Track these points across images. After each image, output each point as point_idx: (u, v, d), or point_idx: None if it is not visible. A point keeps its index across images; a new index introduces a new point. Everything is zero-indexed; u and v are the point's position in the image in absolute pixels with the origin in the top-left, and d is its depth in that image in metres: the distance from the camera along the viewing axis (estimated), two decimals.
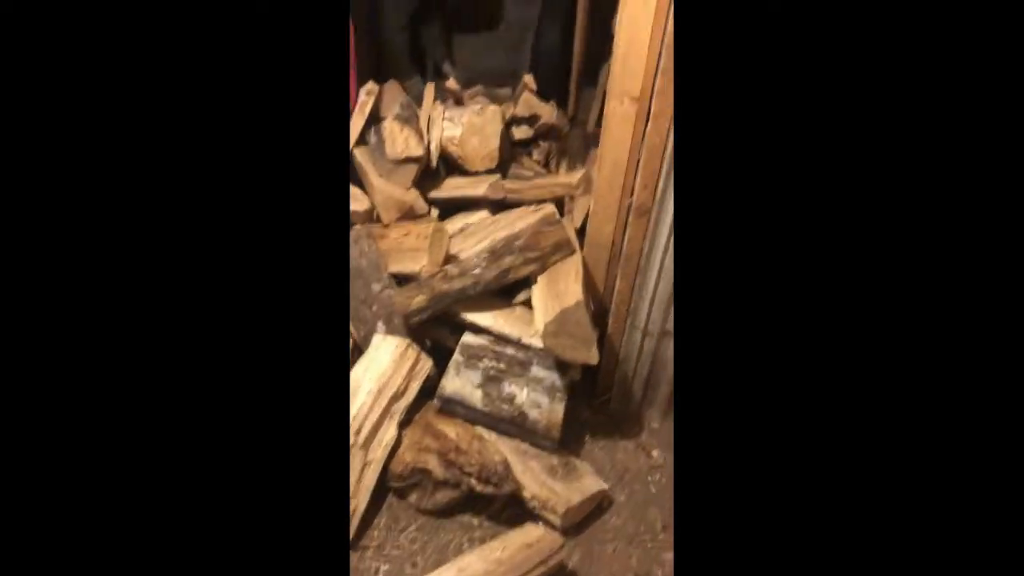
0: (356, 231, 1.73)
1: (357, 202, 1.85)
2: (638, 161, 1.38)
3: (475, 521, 1.49)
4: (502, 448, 1.50)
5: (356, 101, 1.97)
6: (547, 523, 1.45)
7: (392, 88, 2.13)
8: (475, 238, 1.77)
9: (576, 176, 1.87)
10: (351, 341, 1.72)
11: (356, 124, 1.95)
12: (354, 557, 1.39)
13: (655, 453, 1.68)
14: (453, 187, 1.91)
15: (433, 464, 1.45)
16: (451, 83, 2.15)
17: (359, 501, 1.42)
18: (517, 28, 2.97)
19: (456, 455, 1.45)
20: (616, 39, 1.32)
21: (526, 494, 1.44)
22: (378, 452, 1.46)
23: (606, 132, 1.41)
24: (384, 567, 1.38)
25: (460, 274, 1.57)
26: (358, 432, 1.43)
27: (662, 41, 1.25)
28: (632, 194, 1.44)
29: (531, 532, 1.37)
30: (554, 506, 1.42)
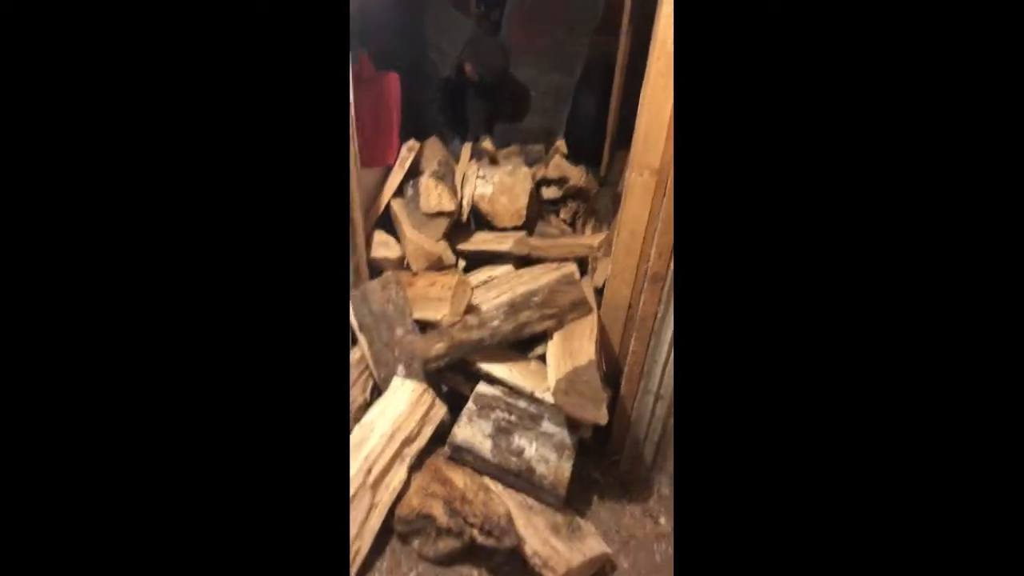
0: (386, 277, 1.83)
1: (389, 250, 1.96)
2: (654, 230, 1.44)
3: (475, 573, 1.49)
4: (507, 501, 1.52)
5: (398, 156, 2.12)
6: None
7: (433, 145, 2.28)
8: (497, 291, 1.84)
9: (599, 238, 1.94)
10: (372, 382, 1.79)
11: (395, 177, 2.09)
12: None
13: (663, 520, 1.66)
14: (480, 241, 2.01)
15: (438, 511, 1.47)
16: (487, 144, 2.28)
17: (363, 543, 1.44)
18: (554, 93, 3.15)
19: (461, 504, 1.47)
20: (639, 115, 1.41)
21: (527, 550, 1.44)
22: (385, 495, 1.50)
23: (626, 201, 1.48)
24: None
25: (479, 325, 1.64)
26: (368, 472, 1.48)
27: None
28: (648, 261, 1.49)
29: None
30: (555, 565, 1.41)
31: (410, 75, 2.24)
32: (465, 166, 2.13)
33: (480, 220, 2.10)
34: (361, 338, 1.80)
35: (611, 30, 2.87)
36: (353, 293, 1.83)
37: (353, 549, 1.42)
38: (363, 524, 1.44)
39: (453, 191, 1.93)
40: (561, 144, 2.38)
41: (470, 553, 1.50)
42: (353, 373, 1.81)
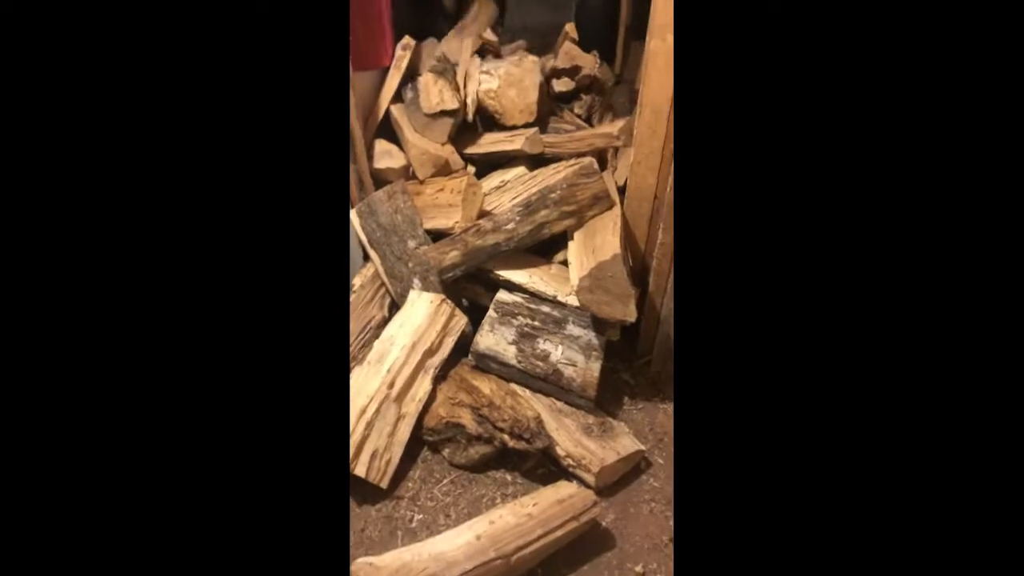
0: (392, 187, 1.72)
1: (393, 159, 1.83)
2: None
3: (508, 477, 1.48)
4: (536, 405, 1.48)
5: (392, 57, 1.94)
6: (581, 482, 1.42)
7: (429, 45, 2.09)
8: (511, 194, 1.72)
9: (618, 125, 1.77)
10: (388, 298, 1.73)
11: (392, 80, 1.92)
12: (389, 506, 1.41)
13: None
14: (489, 143, 1.86)
15: (466, 419, 1.44)
16: (488, 35, 2.07)
17: (393, 453, 1.43)
18: None
19: (489, 410, 1.43)
20: None
21: (560, 451, 1.42)
22: (411, 406, 1.47)
23: (646, 75, 1.32)
24: (419, 516, 1.40)
25: (494, 229, 1.54)
26: (391, 386, 1.44)
27: None
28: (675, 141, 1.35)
29: (564, 489, 1.34)
30: (588, 464, 1.38)
31: None
32: (467, 62, 1.95)
33: (487, 122, 1.94)
34: (372, 253, 1.72)
35: None
36: (359, 207, 1.73)
37: (383, 461, 1.41)
38: (391, 436, 1.42)
39: (455, 88, 1.77)
40: (571, 28, 2.15)
41: (502, 458, 1.48)
42: (368, 290, 1.74)
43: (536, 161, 1.86)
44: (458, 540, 1.21)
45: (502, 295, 1.60)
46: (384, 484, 1.40)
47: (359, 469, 1.35)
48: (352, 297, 1.76)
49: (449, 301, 1.59)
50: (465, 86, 1.87)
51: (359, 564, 1.16)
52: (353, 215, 1.74)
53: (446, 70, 1.79)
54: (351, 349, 1.63)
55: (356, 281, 1.77)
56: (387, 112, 1.90)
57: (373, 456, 1.38)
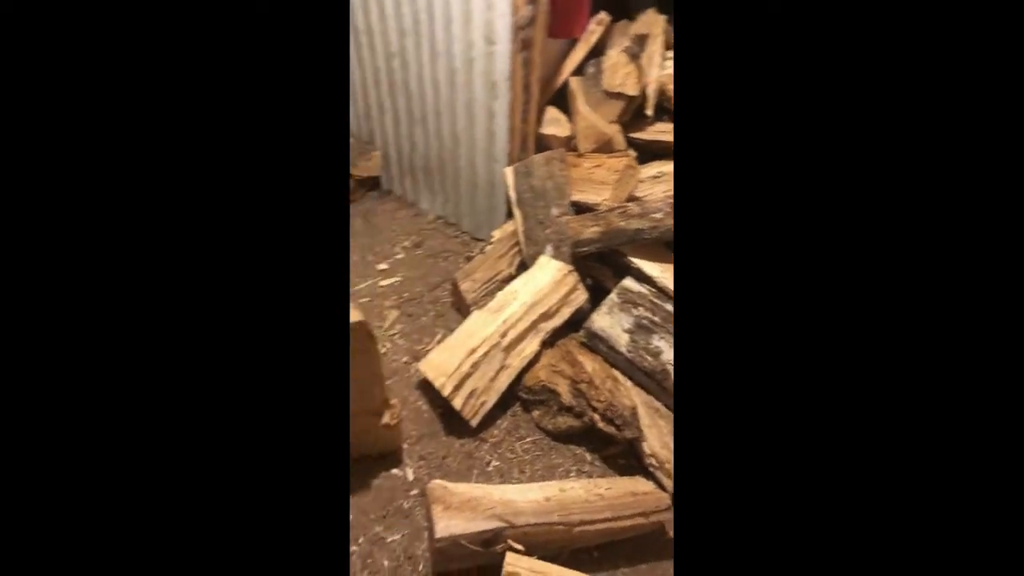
0: (552, 153, 1.77)
1: (560, 127, 1.87)
2: None
3: (588, 456, 1.50)
4: (635, 398, 1.47)
5: (584, 30, 1.97)
6: (659, 484, 1.39)
7: (623, 25, 2.08)
8: (665, 186, 1.69)
9: None
10: (519, 258, 1.80)
11: (578, 53, 1.95)
12: (472, 444, 1.50)
13: None
14: (658, 131, 1.83)
15: (563, 388, 1.48)
16: None
17: (489, 398, 1.51)
18: None
19: (587, 387, 1.45)
20: None
21: (646, 448, 1.40)
22: (517, 360, 1.53)
23: None
24: (496, 463, 1.47)
25: (640, 215, 1.52)
26: (504, 335, 1.51)
27: None
28: None
29: (641, 484, 1.33)
30: (671, 469, 1.35)
31: None
32: (656, 48, 1.91)
33: (662, 109, 1.90)
34: (517, 212, 1.79)
35: None
36: (517, 166, 1.80)
37: (479, 401, 1.49)
38: (492, 381, 1.50)
39: (640, 77, 1.75)
40: None
41: (587, 436, 1.50)
42: (504, 245, 1.83)
43: None
44: (528, 495, 1.25)
45: (629, 282, 1.60)
46: (474, 422, 1.48)
47: (456, 401, 1.45)
48: (487, 248, 1.85)
49: (575, 273, 1.62)
50: (648, 70, 1.85)
51: (435, 484, 1.25)
52: (508, 172, 1.81)
53: (637, 55, 1.77)
54: (475, 295, 1.72)
55: (495, 234, 1.86)
56: (565, 83, 1.94)
57: (471, 394, 1.47)
